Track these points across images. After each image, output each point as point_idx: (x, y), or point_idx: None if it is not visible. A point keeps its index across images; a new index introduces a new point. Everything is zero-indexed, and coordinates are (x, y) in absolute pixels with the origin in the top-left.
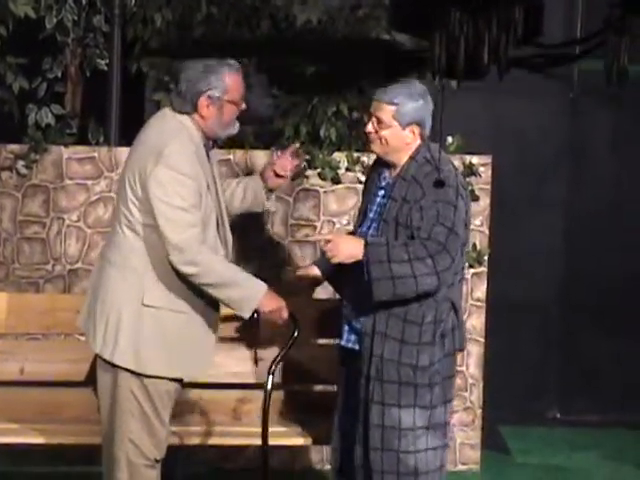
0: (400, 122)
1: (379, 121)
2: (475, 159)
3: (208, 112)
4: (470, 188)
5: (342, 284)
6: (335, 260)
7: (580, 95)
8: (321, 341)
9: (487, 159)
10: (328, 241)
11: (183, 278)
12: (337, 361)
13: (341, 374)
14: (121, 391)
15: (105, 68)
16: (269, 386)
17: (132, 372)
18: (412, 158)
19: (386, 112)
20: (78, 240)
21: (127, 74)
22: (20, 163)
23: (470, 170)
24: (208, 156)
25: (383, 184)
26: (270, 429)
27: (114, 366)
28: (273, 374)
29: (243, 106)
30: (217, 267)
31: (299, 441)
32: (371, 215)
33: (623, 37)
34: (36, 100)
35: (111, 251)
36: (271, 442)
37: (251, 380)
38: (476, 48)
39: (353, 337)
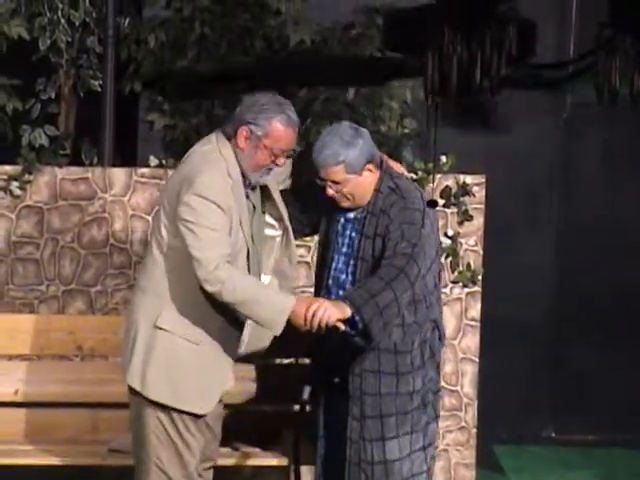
0: (355, 172)
1: (335, 182)
2: (469, 179)
3: (244, 144)
4: (464, 208)
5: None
6: (332, 319)
7: (573, 114)
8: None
9: (481, 179)
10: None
11: (203, 307)
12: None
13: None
14: (147, 416)
15: (98, 89)
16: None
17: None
18: (377, 191)
19: (337, 173)
20: (72, 261)
21: (120, 95)
22: (14, 184)
23: (464, 190)
24: (251, 190)
25: (351, 216)
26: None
27: (133, 390)
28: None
29: (280, 162)
30: (242, 285)
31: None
32: (344, 250)
33: (614, 57)
34: (30, 121)
35: (141, 276)
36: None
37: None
38: (469, 68)
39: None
